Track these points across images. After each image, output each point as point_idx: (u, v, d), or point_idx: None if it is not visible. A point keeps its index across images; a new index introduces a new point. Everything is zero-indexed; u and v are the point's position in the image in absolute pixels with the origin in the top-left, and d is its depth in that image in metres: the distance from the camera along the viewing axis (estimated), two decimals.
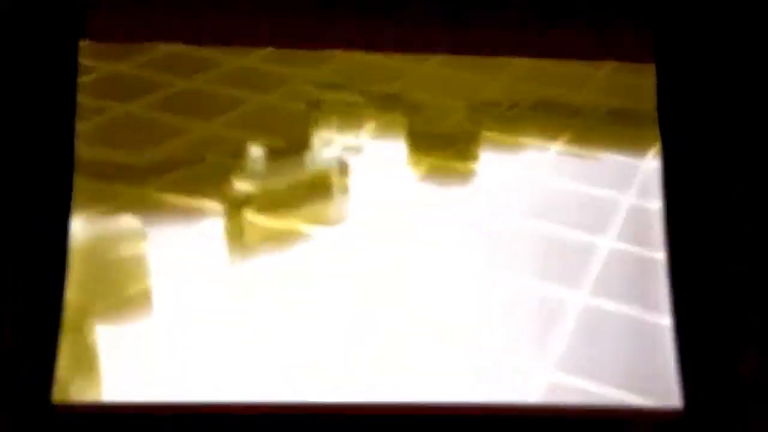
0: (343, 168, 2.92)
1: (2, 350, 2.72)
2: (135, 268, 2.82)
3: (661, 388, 2.78)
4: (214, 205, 2.88)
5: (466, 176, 2.94)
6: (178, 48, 3.14)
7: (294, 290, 2.78)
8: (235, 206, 2.89)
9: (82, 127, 2.98)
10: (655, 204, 2.94)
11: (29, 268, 2.82)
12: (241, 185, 2.90)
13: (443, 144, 2.96)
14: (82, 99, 2.99)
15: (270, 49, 3.10)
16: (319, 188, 2.90)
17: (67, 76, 3.05)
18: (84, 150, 2.96)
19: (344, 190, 2.89)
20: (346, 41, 3.09)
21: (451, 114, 2.99)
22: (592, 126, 3.00)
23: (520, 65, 3.06)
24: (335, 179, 2.91)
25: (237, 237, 2.84)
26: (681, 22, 2.98)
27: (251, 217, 2.87)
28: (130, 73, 3.08)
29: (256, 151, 2.94)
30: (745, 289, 2.92)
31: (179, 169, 2.89)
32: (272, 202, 2.88)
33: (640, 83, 3.03)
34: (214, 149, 2.93)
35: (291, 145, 2.95)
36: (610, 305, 2.86)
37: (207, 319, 2.73)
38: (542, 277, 2.86)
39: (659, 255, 2.90)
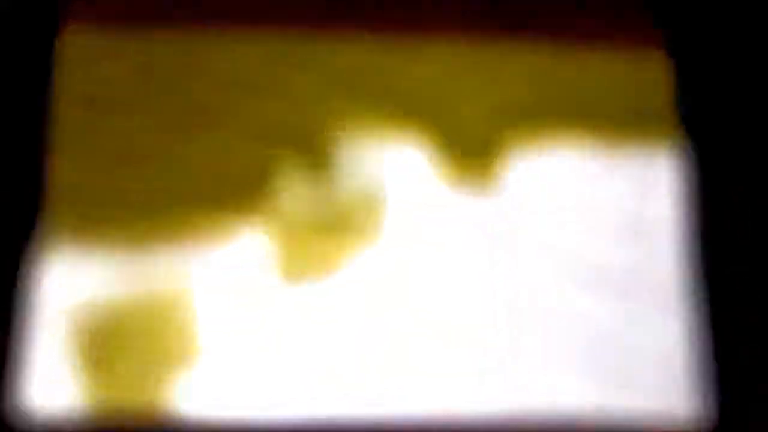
0: (374, 184, 2.92)
1: None
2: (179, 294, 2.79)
3: (674, 396, 2.77)
4: (247, 228, 2.85)
5: (491, 182, 2.98)
6: (170, 55, 3.05)
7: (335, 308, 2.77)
8: (272, 228, 2.86)
9: (84, 153, 2.90)
10: (670, 206, 2.98)
11: None
12: (275, 207, 2.88)
13: (467, 150, 2.97)
14: (75, 117, 2.94)
15: (273, 52, 3.06)
16: (351, 207, 2.90)
17: (45, 72, 2.98)
18: (99, 178, 2.89)
19: (377, 207, 2.89)
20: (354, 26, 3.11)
21: (473, 119, 3.00)
22: (608, 126, 3.02)
23: (536, 65, 3.06)
24: (367, 195, 2.91)
25: (279, 260, 2.83)
26: (695, 20, 3.04)
27: (290, 239, 2.85)
28: (122, 86, 2.98)
29: (286, 171, 2.93)
30: None
31: (209, 194, 2.86)
32: (307, 224, 2.85)
33: (653, 81, 3.05)
34: (237, 169, 2.89)
35: (317, 160, 2.96)
36: (623, 311, 2.84)
37: (237, 335, 2.72)
38: (558, 281, 2.83)
39: (675, 259, 2.92)
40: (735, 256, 2.87)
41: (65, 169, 2.90)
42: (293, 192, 2.89)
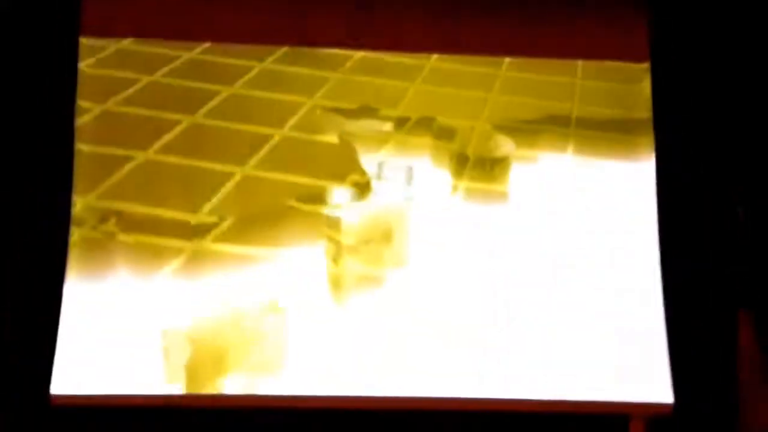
0: (400, 201, 3.09)
1: (3, 346, 2.89)
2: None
3: (653, 383, 2.97)
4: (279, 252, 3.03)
5: (500, 194, 3.15)
6: (171, 78, 3.19)
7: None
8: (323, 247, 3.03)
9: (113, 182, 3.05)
10: (651, 205, 3.12)
11: (28, 267, 2.94)
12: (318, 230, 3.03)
13: (472, 162, 3.15)
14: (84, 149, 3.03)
15: (280, 74, 3.19)
16: (381, 229, 3.06)
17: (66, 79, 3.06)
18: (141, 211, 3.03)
19: (406, 221, 3.06)
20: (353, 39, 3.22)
21: (477, 135, 3.18)
22: (595, 136, 3.20)
23: (531, 80, 3.25)
24: (396, 212, 3.08)
25: (330, 280, 3.02)
26: (677, 24, 3.19)
27: (337, 258, 3.04)
28: (130, 111, 3.11)
29: (322, 198, 3.07)
30: (737, 287, 3.10)
31: (240, 221, 3.03)
32: (350, 244, 3.04)
33: (636, 93, 3.23)
34: (264, 196, 3.06)
35: (349, 185, 3.11)
36: (608, 306, 3.05)
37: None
38: (552, 282, 3.06)
39: (655, 256, 3.08)
40: (706, 257, 3.12)
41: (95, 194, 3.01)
42: (332, 216, 3.00)
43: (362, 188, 3.07)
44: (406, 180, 3.08)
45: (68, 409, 2.86)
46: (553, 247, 3.08)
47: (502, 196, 3.11)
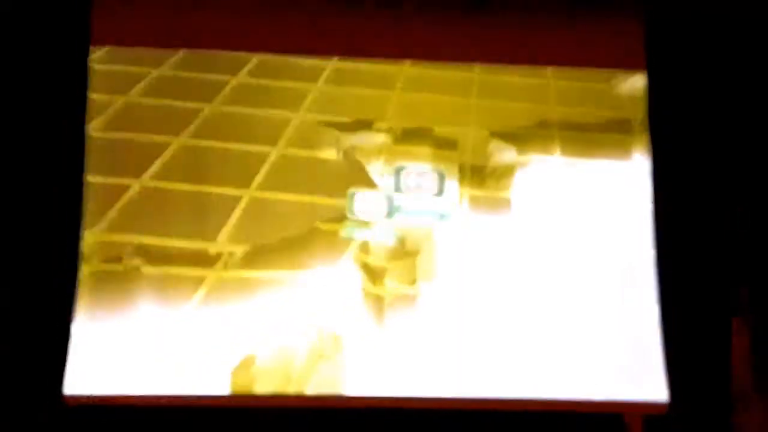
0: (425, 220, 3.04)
1: (15, 346, 2.86)
2: None
3: (650, 382, 3.01)
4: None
5: (503, 202, 3.14)
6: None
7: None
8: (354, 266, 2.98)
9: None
10: (646, 207, 3.16)
11: (39, 268, 2.89)
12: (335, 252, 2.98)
13: (474, 171, 3.13)
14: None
15: (281, 89, 3.12)
16: (409, 243, 3.03)
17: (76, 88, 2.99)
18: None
19: (432, 240, 3.03)
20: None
21: (475, 141, 3.16)
22: (588, 138, 3.22)
23: (527, 87, 3.24)
24: (421, 230, 3.04)
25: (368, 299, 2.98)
26: (672, 30, 3.23)
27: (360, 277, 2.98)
28: (111, 136, 2.99)
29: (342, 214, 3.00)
30: (730, 284, 3.17)
31: (262, 245, 2.96)
32: (376, 262, 3.00)
33: (633, 98, 3.25)
34: (282, 218, 2.99)
35: (358, 200, 3.05)
36: (605, 305, 3.07)
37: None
38: (548, 284, 3.07)
39: (650, 256, 3.12)
40: (697, 257, 3.17)
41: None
42: (358, 236, 2.95)
43: (383, 202, 3.03)
44: (438, 190, 3.05)
45: (82, 409, 2.82)
46: (550, 250, 3.09)
47: (506, 203, 3.11)
